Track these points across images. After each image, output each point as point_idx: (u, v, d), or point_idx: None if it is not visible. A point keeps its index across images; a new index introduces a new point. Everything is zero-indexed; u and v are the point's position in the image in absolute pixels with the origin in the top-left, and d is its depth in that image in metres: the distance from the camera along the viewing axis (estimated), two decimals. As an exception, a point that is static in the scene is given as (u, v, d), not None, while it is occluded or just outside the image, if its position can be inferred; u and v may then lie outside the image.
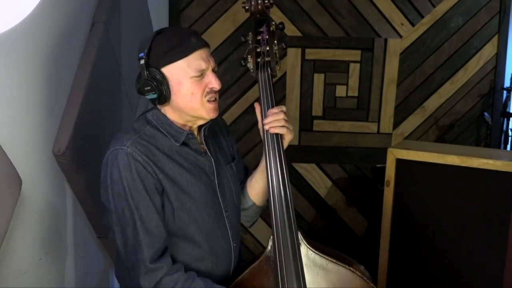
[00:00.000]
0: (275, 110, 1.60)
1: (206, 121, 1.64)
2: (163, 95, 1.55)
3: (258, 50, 1.61)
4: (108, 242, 2.10)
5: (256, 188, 1.80)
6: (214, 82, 1.57)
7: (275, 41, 1.62)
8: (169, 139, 1.60)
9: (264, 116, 1.62)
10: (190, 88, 1.55)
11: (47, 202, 1.76)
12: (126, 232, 1.54)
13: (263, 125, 1.61)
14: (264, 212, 3.25)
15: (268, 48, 1.60)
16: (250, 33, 1.64)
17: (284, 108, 1.61)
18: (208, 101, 1.58)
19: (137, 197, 1.52)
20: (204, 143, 1.68)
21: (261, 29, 1.62)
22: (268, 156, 1.60)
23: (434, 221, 2.49)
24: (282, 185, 1.58)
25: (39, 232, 1.70)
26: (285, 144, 1.65)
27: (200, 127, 1.68)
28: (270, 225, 1.60)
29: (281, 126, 1.59)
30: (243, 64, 1.65)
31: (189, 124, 1.64)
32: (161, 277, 1.52)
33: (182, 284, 1.53)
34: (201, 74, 1.56)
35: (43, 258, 1.72)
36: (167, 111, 1.62)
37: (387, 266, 2.61)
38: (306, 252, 1.60)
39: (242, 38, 1.66)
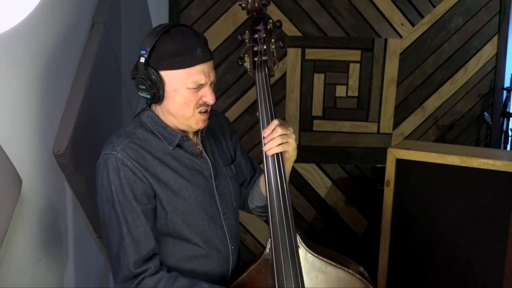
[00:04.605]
0: (267, 131, 1.53)
1: (194, 130, 1.62)
2: (156, 97, 1.54)
3: (255, 49, 1.58)
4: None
5: None
6: (209, 97, 1.56)
7: (272, 40, 1.58)
8: (162, 142, 1.58)
9: (261, 121, 1.56)
10: (184, 98, 1.53)
11: (47, 202, 1.75)
12: (111, 237, 1.53)
13: (259, 112, 1.57)
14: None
15: (265, 47, 1.57)
16: (247, 32, 1.60)
17: (276, 122, 1.53)
18: (199, 112, 1.57)
19: (124, 203, 1.51)
20: (200, 144, 1.66)
21: (258, 28, 1.58)
22: (266, 164, 1.55)
23: (434, 221, 2.49)
24: (280, 185, 1.54)
25: (39, 232, 1.70)
26: (289, 162, 1.61)
27: None
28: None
29: (278, 145, 1.53)
30: (240, 63, 1.61)
31: (180, 128, 1.61)
32: (144, 277, 1.51)
33: (164, 283, 1.51)
34: (198, 87, 1.54)
35: (43, 258, 1.72)
36: (158, 111, 1.61)
37: (387, 266, 2.61)
38: (304, 255, 1.58)
39: (239, 37, 1.62)
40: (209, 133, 1.70)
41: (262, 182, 1.76)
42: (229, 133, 1.81)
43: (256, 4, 1.58)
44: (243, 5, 1.59)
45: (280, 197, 1.53)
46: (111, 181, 1.51)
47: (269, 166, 1.54)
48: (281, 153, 1.55)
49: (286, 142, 1.54)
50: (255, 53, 1.58)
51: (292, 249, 1.54)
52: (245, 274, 1.60)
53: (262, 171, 1.76)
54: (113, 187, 1.51)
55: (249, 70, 1.60)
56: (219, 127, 1.78)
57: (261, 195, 1.79)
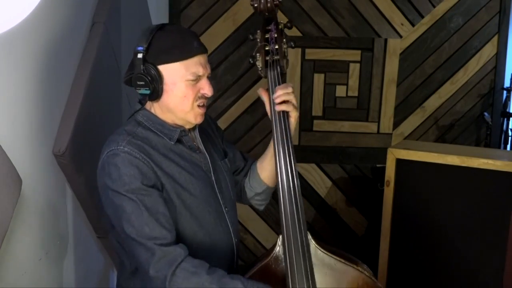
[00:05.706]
0: (283, 85, 1.62)
1: (192, 125, 1.64)
2: (155, 92, 1.54)
3: (267, 48, 1.63)
4: (108, 242, 2.10)
5: (268, 169, 1.79)
6: (207, 89, 1.58)
7: (284, 40, 1.64)
8: (162, 138, 1.59)
9: (273, 119, 1.63)
10: (183, 91, 1.55)
11: (47, 202, 1.75)
12: (130, 228, 1.48)
13: (270, 108, 1.63)
14: (264, 212, 3.26)
15: (277, 47, 1.61)
16: (259, 31, 1.65)
17: (290, 85, 1.63)
18: (198, 105, 1.59)
19: (139, 190, 1.48)
20: (198, 139, 1.68)
21: (270, 28, 1.63)
22: (277, 140, 1.61)
23: (434, 221, 2.49)
24: (291, 176, 1.58)
25: (39, 232, 1.70)
26: (293, 124, 1.67)
27: None
28: (275, 226, 1.59)
29: (287, 103, 1.61)
30: (252, 62, 1.67)
31: (178, 123, 1.63)
32: (182, 260, 1.46)
33: (206, 270, 1.47)
34: (196, 79, 1.56)
35: (43, 258, 1.72)
36: (155, 108, 1.61)
37: (387, 266, 2.61)
38: (315, 251, 1.60)
39: (251, 36, 1.67)
40: (200, 130, 1.72)
41: (260, 169, 1.82)
42: (216, 129, 1.85)
43: (269, 4, 1.62)
44: (255, 5, 1.63)
45: (288, 167, 1.60)
46: (122, 173, 1.48)
47: (277, 128, 1.62)
48: (288, 119, 1.63)
49: (290, 102, 1.63)
50: (266, 52, 1.63)
51: (304, 246, 1.56)
52: (253, 271, 1.61)
53: (253, 160, 1.87)
54: (126, 178, 1.48)
55: (260, 68, 1.66)
56: (207, 124, 1.80)
57: (260, 182, 1.82)
